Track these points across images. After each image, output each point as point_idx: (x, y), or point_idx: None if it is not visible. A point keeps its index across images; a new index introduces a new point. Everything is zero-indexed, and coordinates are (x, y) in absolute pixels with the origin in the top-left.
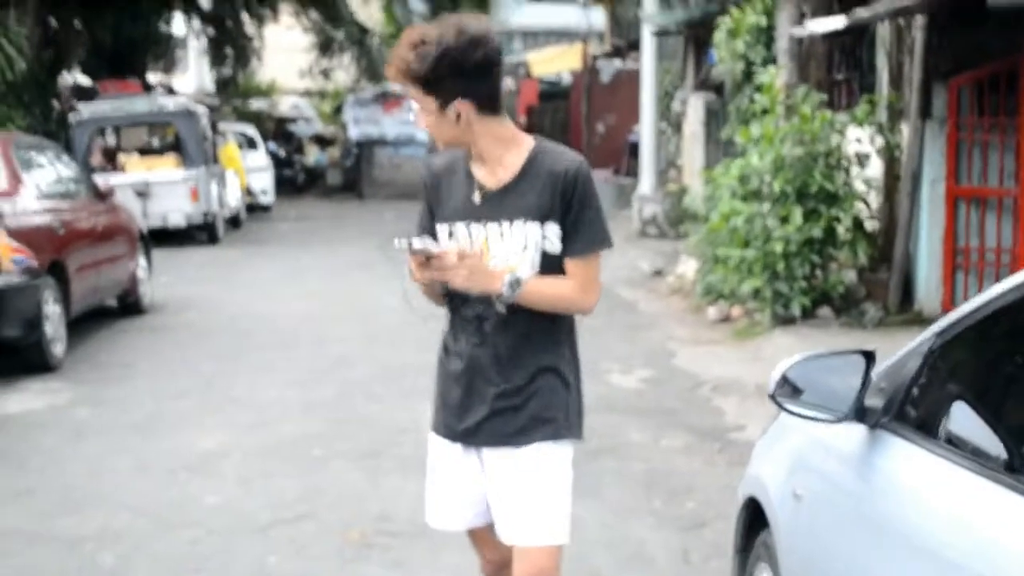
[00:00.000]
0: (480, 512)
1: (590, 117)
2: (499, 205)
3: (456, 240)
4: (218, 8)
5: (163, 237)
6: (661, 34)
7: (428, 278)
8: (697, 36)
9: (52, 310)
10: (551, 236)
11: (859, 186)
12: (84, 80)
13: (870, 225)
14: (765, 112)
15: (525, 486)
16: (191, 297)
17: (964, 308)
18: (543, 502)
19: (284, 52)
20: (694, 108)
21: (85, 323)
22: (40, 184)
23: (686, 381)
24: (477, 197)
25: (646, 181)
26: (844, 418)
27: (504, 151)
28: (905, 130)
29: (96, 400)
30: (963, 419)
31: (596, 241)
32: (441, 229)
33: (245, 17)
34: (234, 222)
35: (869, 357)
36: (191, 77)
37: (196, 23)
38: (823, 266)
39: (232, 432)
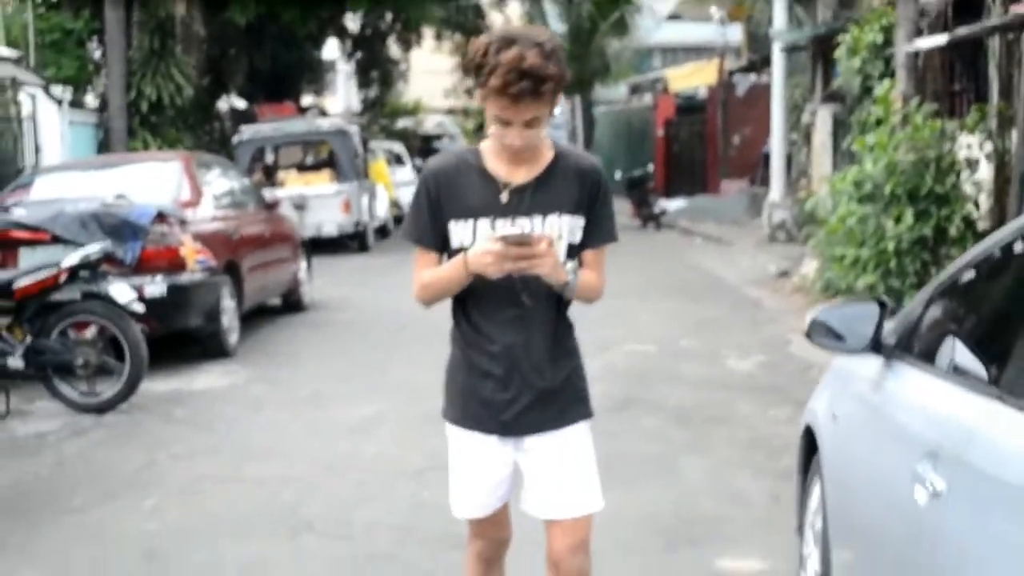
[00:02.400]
0: (502, 495)
1: (726, 130)
2: (529, 200)
3: (481, 235)
4: (366, 34)
5: (317, 246)
6: (790, 50)
7: (513, 269)
8: (824, 51)
9: (228, 304)
10: (577, 228)
11: (969, 189)
12: (240, 103)
13: (981, 225)
14: (879, 122)
15: (568, 463)
16: (346, 298)
17: (951, 267)
18: (584, 476)
19: (429, 73)
20: (822, 119)
21: (254, 318)
22: (217, 196)
23: (798, 364)
24: (504, 194)
25: (776, 189)
26: (864, 350)
27: (539, 148)
28: (1014, 136)
29: (269, 380)
30: (952, 349)
31: (612, 234)
32: (458, 227)
33: (391, 41)
34: (382, 232)
35: (883, 305)
36: (339, 98)
37: (347, 47)
38: (935, 262)
39: (388, 404)
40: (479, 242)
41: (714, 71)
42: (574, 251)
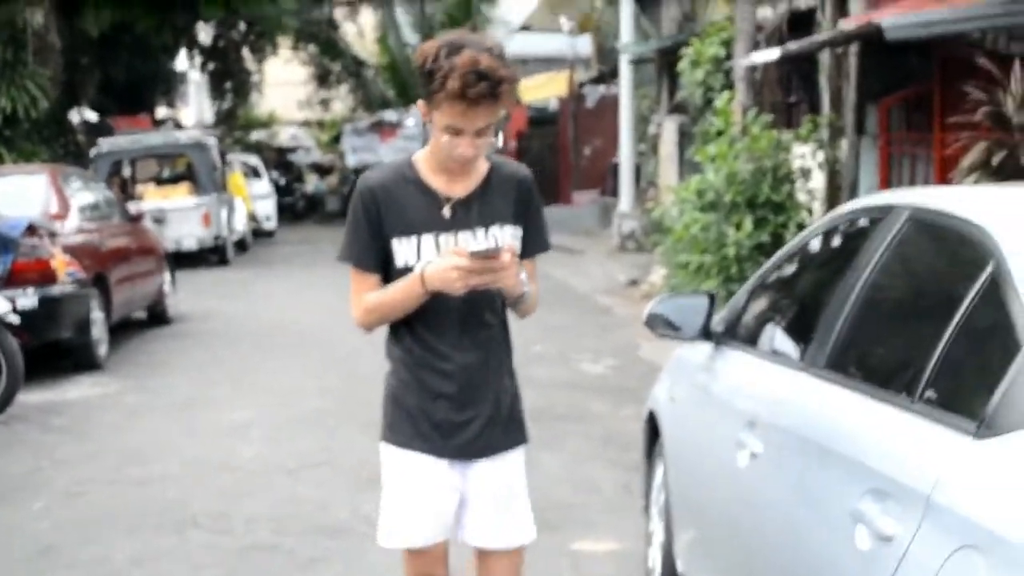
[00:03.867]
0: (446, 524)
1: (577, 141)
2: (468, 213)
3: (425, 252)
4: (220, 44)
5: (177, 259)
6: (637, 62)
7: (479, 283)
8: (670, 63)
9: (97, 316)
10: (516, 239)
11: (804, 197)
12: (92, 116)
13: None
14: (720, 133)
15: (509, 490)
16: (210, 310)
17: (769, 262)
18: (522, 503)
19: (283, 85)
20: (668, 130)
21: (122, 331)
22: (83, 208)
23: (647, 367)
24: (447, 208)
25: (624, 199)
26: (696, 338)
27: (477, 160)
28: (844, 146)
29: (141, 389)
30: (770, 333)
31: (546, 242)
32: (401, 243)
33: (246, 52)
34: (241, 246)
35: (712, 297)
36: (192, 110)
37: (199, 59)
38: None
39: (260, 409)
40: (441, 258)
41: (564, 83)
42: None
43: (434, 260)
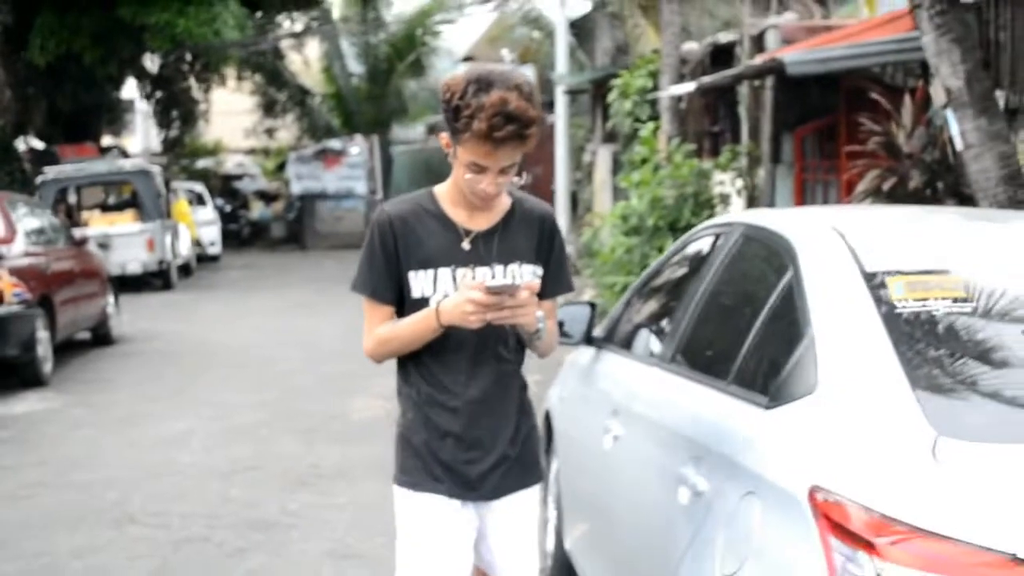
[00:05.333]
0: (467, 562)
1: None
2: (489, 248)
3: (442, 285)
4: (166, 74)
5: (122, 284)
6: (574, 92)
7: (495, 319)
8: (602, 94)
9: (43, 335)
10: (536, 277)
11: None
12: (38, 144)
13: None
14: (644, 161)
15: (521, 529)
16: (153, 331)
17: (642, 275)
18: (532, 542)
19: (229, 114)
20: (602, 159)
21: (66, 350)
22: (28, 233)
23: None
24: (466, 242)
25: (561, 223)
26: (578, 343)
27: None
28: (762, 173)
29: (85, 403)
30: (637, 336)
31: (569, 283)
32: (417, 276)
33: (192, 81)
34: (185, 270)
35: (593, 306)
36: (138, 138)
37: (146, 88)
38: None
39: (198, 420)
40: (458, 292)
41: None
42: None
43: (450, 295)
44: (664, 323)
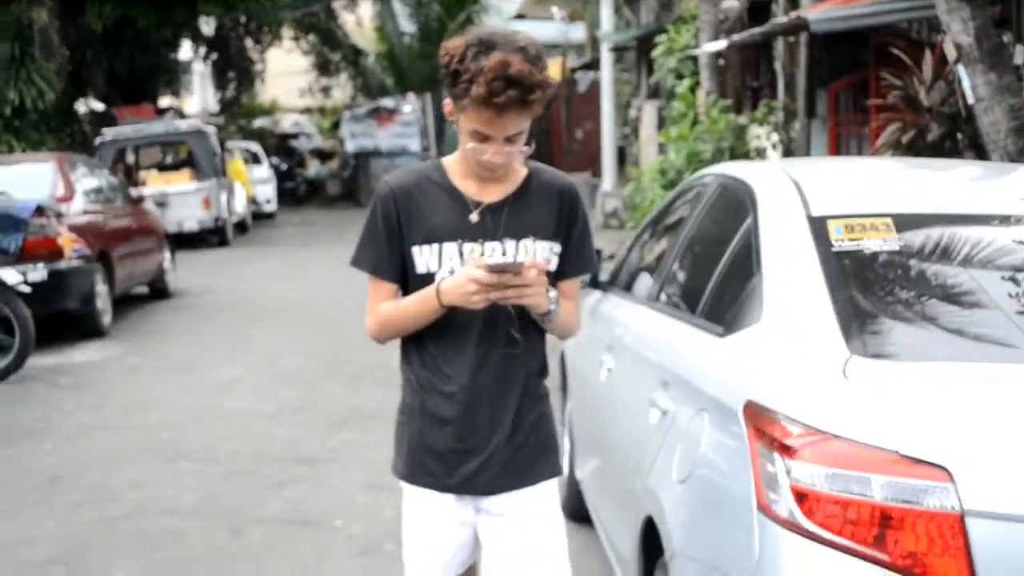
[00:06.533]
0: (463, 559)
1: (570, 125)
2: (499, 221)
3: (447, 261)
4: (222, 35)
5: (179, 241)
6: (620, 49)
7: (499, 298)
8: (647, 51)
9: (101, 288)
10: (553, 255)
11: None
12: (98, 106)
13: None
14: (683, 116)
15: (534, 535)
16: (208, 286)
17: (643, 222)
18: (552, 551)
19: (285, 74)
20: (647, 114)
21: (125, 304)
22: (87, 192)
23: None
24: (475, 214)
25: (607, 179)
26: (586, 286)
27: (513, 164)
28: (797, 127)
29: (142, 352)
30: (642, 280)
31: (592, 262)
32: (421, 251)
33: (248, 43)
34: (241, 228)
35: (598, 252)
36: (196, 99)
37: (202, 49)
38: None
39: (248, 368)
40: (459, 270)
41: (557, 69)
42: (549, 279)
43: (456, 271)
44: (654, 266)
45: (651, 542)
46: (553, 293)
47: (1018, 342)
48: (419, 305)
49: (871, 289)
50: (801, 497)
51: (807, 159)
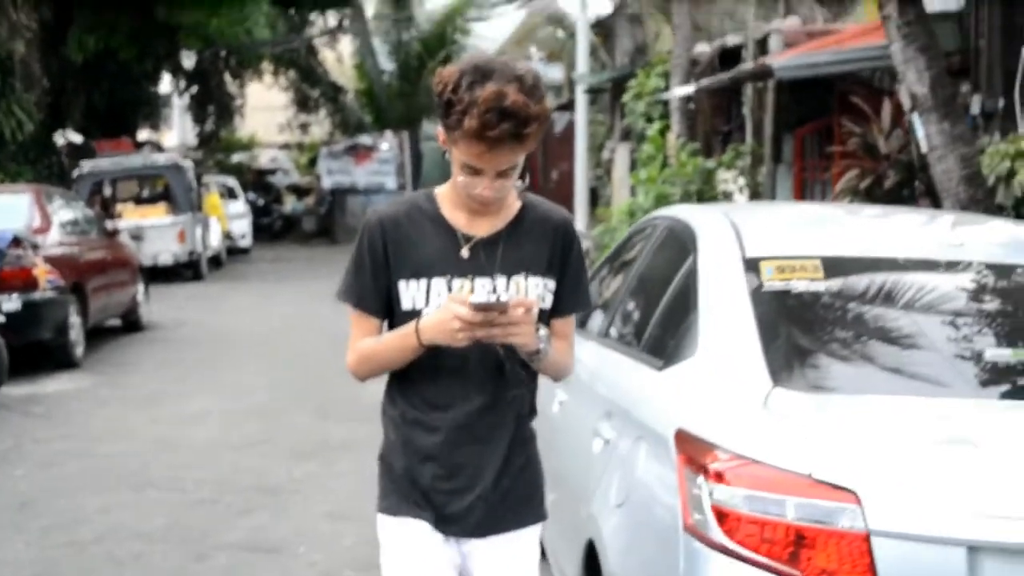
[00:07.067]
0: None
1: (545, 165)
2: (491, 256)
3: (435, 297)
4: (202, 69)
5: (153, 274)
6: (595, 91)
7: (484, 337)
8: (621, 93)
9: (75, 320)
10: (546, 291)
11: None
12: (77, 138)
13: None
14: (652, 159)
15: None
16: (181, 319)
17: (599, 261)
18: None
19: (264, 109)
20: (620, 156)
21: (97, 335)
22: (63, 224)
23: None
24: (465, 249)
25: (579, 219)
26: None
27: (506, 197)
28: (763, 171)
29: (112, 384)
30: (596, 316)
31: (586, 300)
32: (408, 286)
33: (228, 77)
34: (216, 262)
35: None
36: (175, 132)
37: (182, 83)
38: None
39: (216, 400)
40: (441, 308)
41: None
42: (542, 317)
43: (437, 310)
44: (607, 302)
45: (592, 565)
46: (543, 332)
47: (930, 377)
48: (398, 342)
49: (797, 326)
50: (722, 517)
51: (749, 203)
